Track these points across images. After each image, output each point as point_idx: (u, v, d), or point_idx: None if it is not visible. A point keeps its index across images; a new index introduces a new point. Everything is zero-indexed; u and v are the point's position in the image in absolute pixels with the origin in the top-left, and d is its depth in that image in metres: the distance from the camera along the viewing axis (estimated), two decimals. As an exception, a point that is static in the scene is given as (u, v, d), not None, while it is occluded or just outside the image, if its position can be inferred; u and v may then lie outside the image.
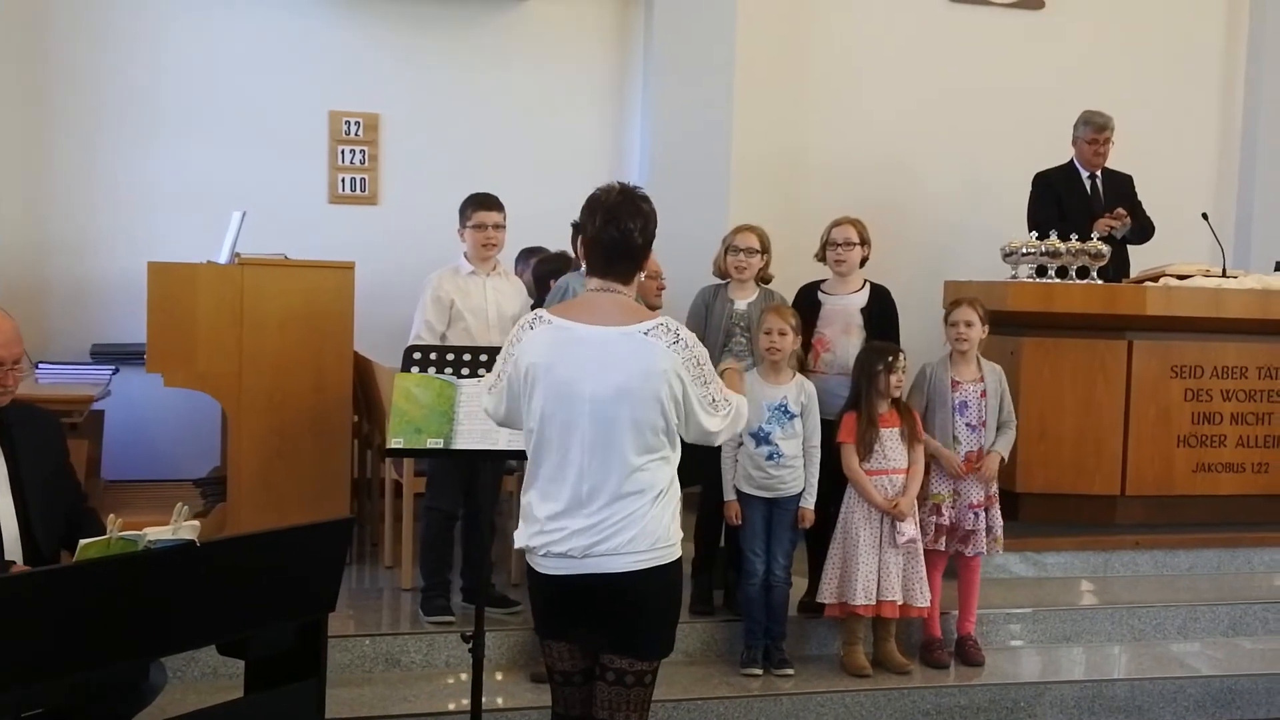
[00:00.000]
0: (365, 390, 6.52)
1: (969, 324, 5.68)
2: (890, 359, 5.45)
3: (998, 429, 5.69)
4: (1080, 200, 7.52)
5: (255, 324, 5.82)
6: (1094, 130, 7.48)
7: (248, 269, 5.85)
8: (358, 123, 7.69)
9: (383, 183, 7.74)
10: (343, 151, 7.68)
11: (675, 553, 3.34)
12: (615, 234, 3.31)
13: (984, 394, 5.69)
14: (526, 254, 6.82)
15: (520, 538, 3.38)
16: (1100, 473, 6.83)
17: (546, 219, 6.58)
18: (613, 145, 8.05)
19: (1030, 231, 7.19)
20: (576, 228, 5.87)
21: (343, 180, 7.69)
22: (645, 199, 3.38)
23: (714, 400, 3.34)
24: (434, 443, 4.24)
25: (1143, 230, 7.59)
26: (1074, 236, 6.81)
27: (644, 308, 3.45)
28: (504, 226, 5.63)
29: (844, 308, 5.79)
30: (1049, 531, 6.61)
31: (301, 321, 5.87)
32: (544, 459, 3.32)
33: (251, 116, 7.54)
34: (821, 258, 5.91)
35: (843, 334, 5.76)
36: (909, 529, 5.39)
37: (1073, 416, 6.78)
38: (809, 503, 5.37)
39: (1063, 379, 6.77)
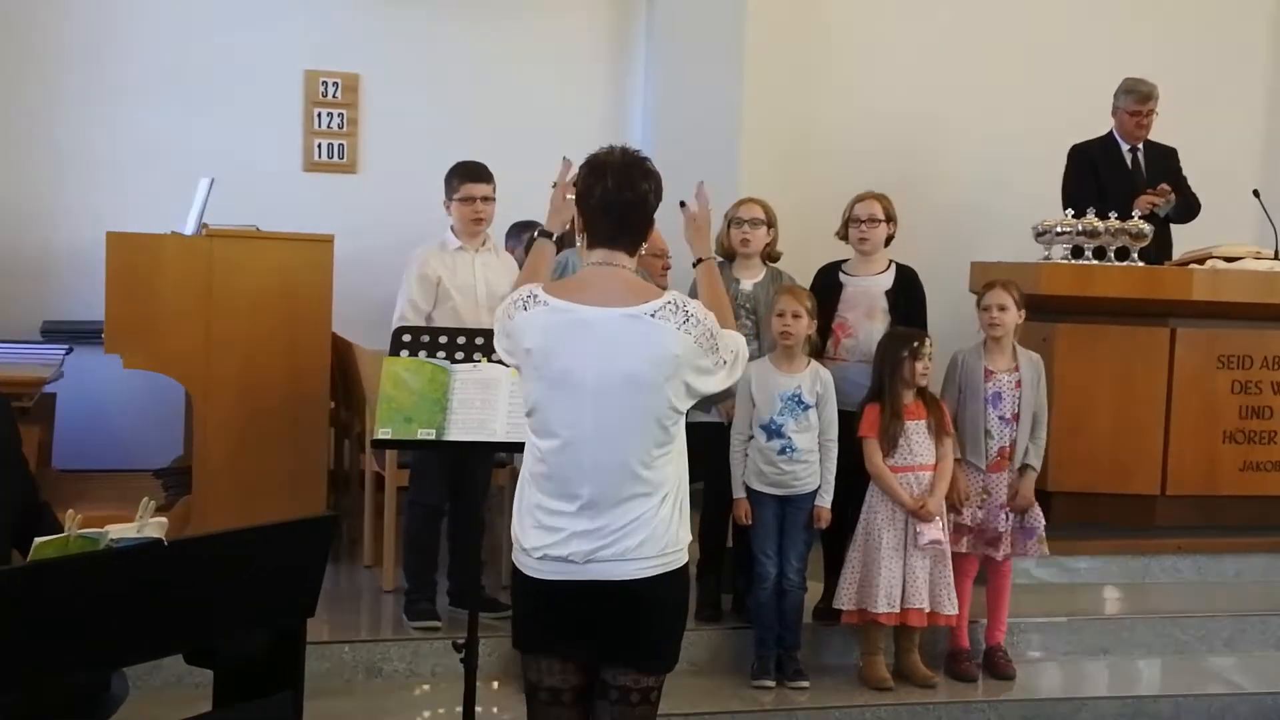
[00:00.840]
0: (344, 374, 6.51)
1: (1003, 308, 5.63)
2: (916, 344, 5.40)
3: (1032, 429, 5.66)
4: (1120, 176, 7.45)
5: (225, 301, 5.78)
6: (1137, 100, 7.42)
7: (217, 241, 5.82)
8: (335, 84, 7.67)
9: (362, 149, 7.72)
10: (319, 115, 7.66)
11: (684, 557, 3.30)
12: (630, 196, 3.25)
13: (1019, 385, 5.65)
14: (519, 228, 6.78)
15: (517, 532, 3.33)
16: (1139, 471, 6.79)
17: (541, 191, 6.30)
18: (613, 112, 8.02)
19: (1065, 209, 7.11)
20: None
21: (319, 146, 7.67)
22: (649, 160, 3.34)
23: (723, 360, 3.29)
24: (425, 433, 4.19)
25: (1188, 208, 7.53)
26: (1113, 215, 6.77)
27: (650, 284, 3.38)
28: (493, 199, 5.61)
29: (867, 290, 5.77)
30: (1083, 534, 6.57)
31: (275, 299, 5.83)
32: (541, 449, 3.26)
33: (219, 76, 7.48)
34: (843, 235, 5.87)
35: (866, 318, 5.73)
36: (932, 530, 5.35)
37: (1109, 410, 6.74)
38: (825, 501, 5.34)
39: (1099, 369, 6.72)
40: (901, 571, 5.36)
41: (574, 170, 3.53)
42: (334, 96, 7.65)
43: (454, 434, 4.19)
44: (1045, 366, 5.74)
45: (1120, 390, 6.77)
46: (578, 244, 5.67)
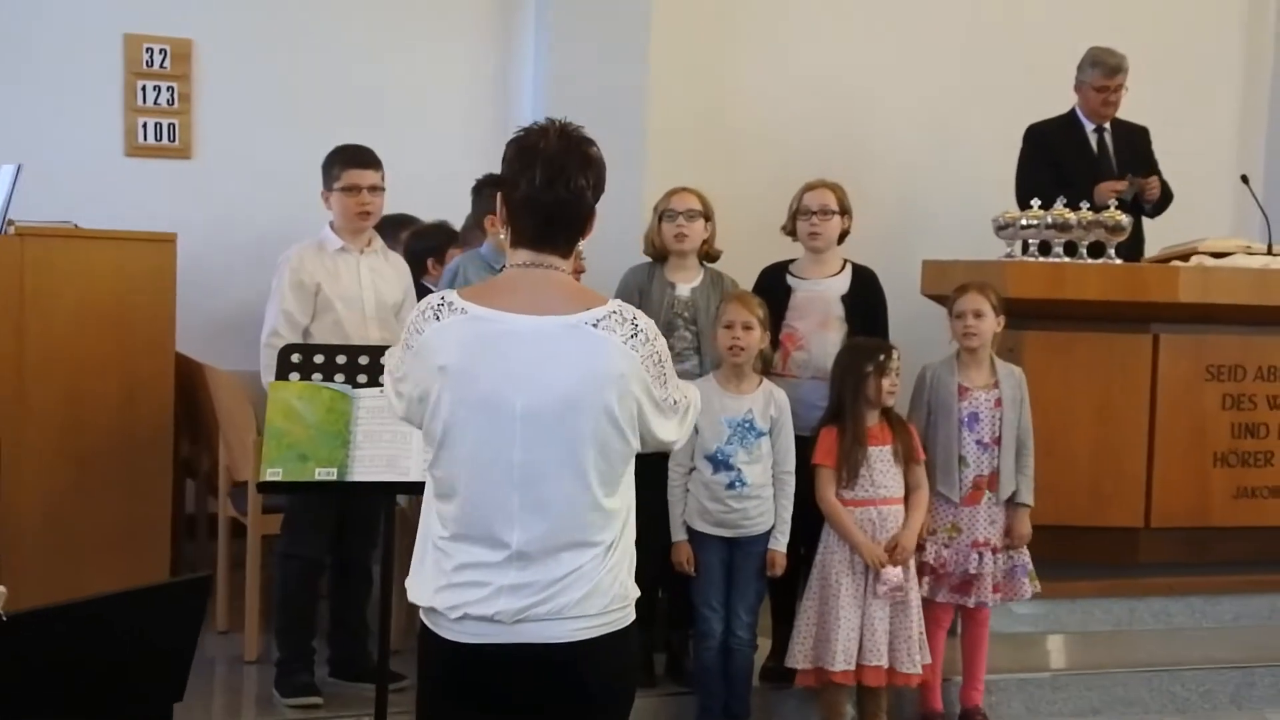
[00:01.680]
0: (189, 401, 6.34)
1: (979, 315, 5.62)
2: (882, 357, 5.40)
3: (1016, 456, 5.66)
4: (1084, 160, 7.52)
5: (41, 314, 5.66)
6: (1104, 74, 7.48)
7: (29, 242, 5.66)
8: (163, 51, 7.45)
9: (197, 130, 7.51)
10: (144, 89, 7.44)
11: (632, 614, 3.22)
12: (564, 194, 3.12)
13: (999, 403, 5.67)
14: (393, 225, 6.68)
15: (418, 592, 3.19)
16: (1119, 500, 6.79)
17: (413, 181, 6.46)
18: (496, 88, 7.90)
19: (1022, 200, 7.13)
20: (484, 186, 5.77)
21: (144, 126, 7.44)
22: (591, 143, 3.21)
23: (674, 401, 3.23)
24: (325, 473, 4.16)
25: (1161, 197, 7.62)
26: (1084, 205, 6.81)
27: (589, 290, 3.29)
28: (383, 189, 5.51)
29: (821, 295, 5.77)
30: (1059, 574, 6.41)
31: (105, 312, 5.74)
32: (455, 490, 3.13)
33: (20, 41, 7.22)
34: (791, 230, 5.88)
35: (819, 328, 5.73)
36: (892, 574, 5.35)
37: (1085, 429, 6.74)
38: (780, 544, 5.35)
39: (1074, 383, 6.72)
40: (859, 622, 5.35)
41: None
42: (161, 66, 7.44)
43: (359, 473, 4.16)
44: (1015, 380, 5.81)
45: (1097, 407, 6.78)
46: (481, 247, 5.54)
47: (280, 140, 7.19)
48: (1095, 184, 7.30)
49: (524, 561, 3.07)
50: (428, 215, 6.75)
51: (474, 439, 3.09)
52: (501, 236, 3.25)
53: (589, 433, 3.07)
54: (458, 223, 6.51)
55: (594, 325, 3.08)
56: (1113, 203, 6.96)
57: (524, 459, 3.06)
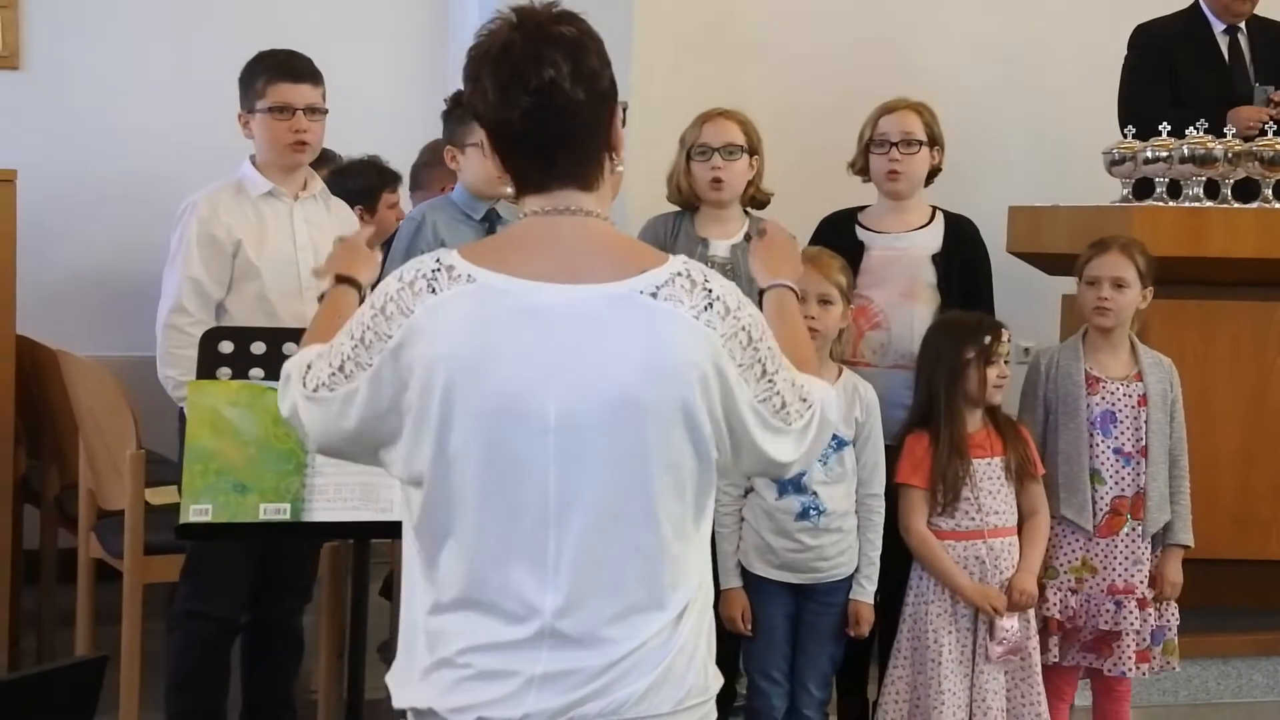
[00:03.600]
0: (34, 400, 6.40)
1: (1120, 284, 5.63)
2: (989, 340, 5.40)
3: (1170, 472, 5.73)
4: (1214, 73, 7.55)
5: None
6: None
7: None
8: None
9: (27, 34, 7.55)
10: None
11: (713, 713, 3.13)
12: (529, 100, 2.97)
13: (1143, 400, 5.69)
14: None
15: (406, 690, 3.08)
16: (1278, 524, 6.75)
17: (338, 103, 6.32)
18: None
19: (1125, 125, 7.14)
20: (455, 109, 5.66)
21: None
22: (563, 18, 3.05)
23: (784, 403, 3.09)
24: (274, 510, 4.06)
25: None
26: (1230, 132, 6.76)
27: (640, 244, 3.24)
28: (324, 110, 5.50)
29: (904, 254, 5.82)
30: (1201, 625, 6.46)
31: None
32: (454, 535, 3.01)
33: None
34: (862, 168, 5.93)
35: (903, 299, 5.77)
36: (1011, 627, 5.34)
37: (1232, 432, 6.69)
38: (867, 593, 5.34)
39: (1217, 371, 6.66)
40: (969, 691, 5.36)
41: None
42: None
43: (321, 510, 4.06)
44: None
45: (1247, 402, 6.72)
46: (450, 191, 5.56)
47: (143, 47, 7.24)
48: (1229, 106, 7.26)
49: (561, 639, 2.95)
50: (346, 149, 6.72)
51: (487, 462, 2.95)
52: (507, 189, 3.16)
53: (653, 447, 2.95)
54: (394, 158, 6.54)
55: (652, 295, 2.95)
56: (1238, 132, 6.94)
57: (560, 488, 2.93)
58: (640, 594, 2.97)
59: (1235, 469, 6.70)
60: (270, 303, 5.28)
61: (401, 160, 6.67)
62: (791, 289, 3.50)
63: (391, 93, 6.58)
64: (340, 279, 3.60)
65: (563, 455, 2.92)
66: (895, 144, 5.76)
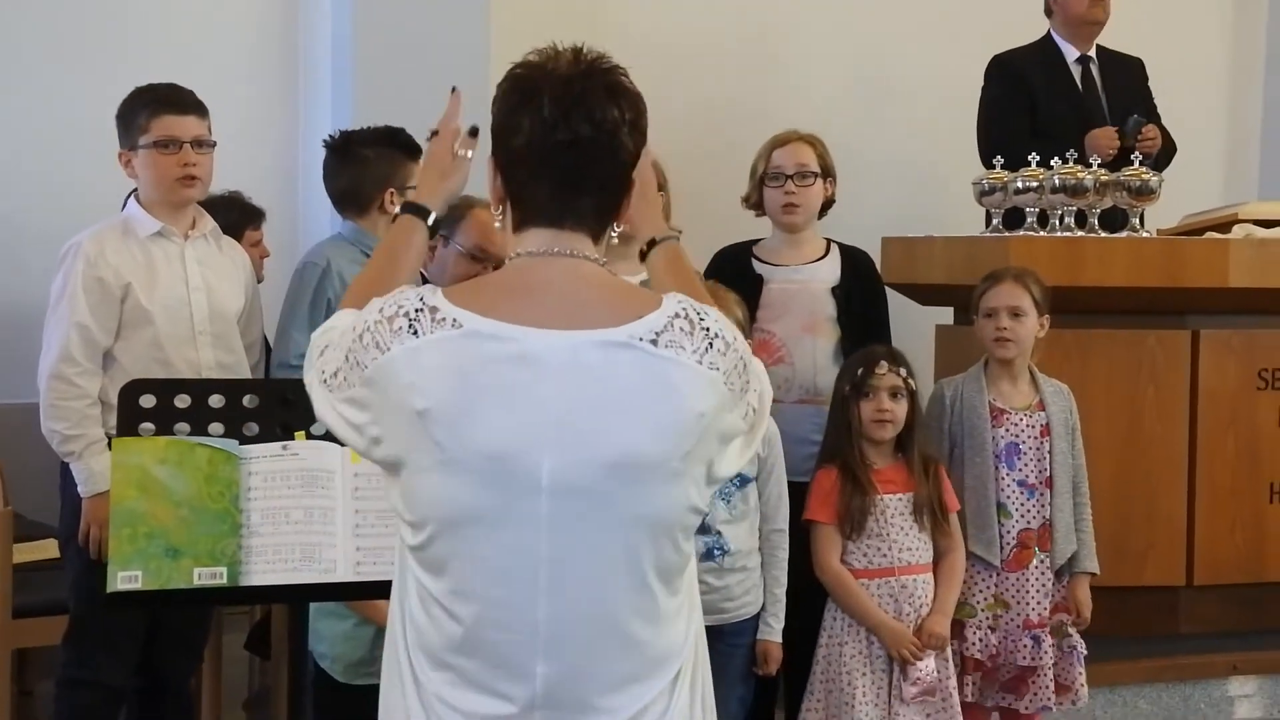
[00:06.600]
0: None
1: (1017, 313, 5.66)
2: (859, 372, 5.41)
3: (1074, 500, 5.77)
4: (1070, 102, 7.65)
5: None
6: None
7: None
8: None
9: None
10: None
11: None
12: (588, 130, 2.92)
13: (1045, 430, 5.72)
14: None
15: None
16: (1154, 551, 6.77)
17: None
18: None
19: (987, 154, 7.12)
20: (352, 144, 5.66)
21: None
22: (620, 70, 3.04)
23: (754, 408, 3.04)
24: (209, 575, 3.91)
25: (1165, 150, 7.70)
26: (1096, 161, 6.79)
27: (634, 286, 3.10)
28: (212, 143, 5.41)
29: (804, 287, 5.86)
30: (1088, 653, 6.48)
31: None
32: (449, 607, 2.91)
33: None
34: (755, 203, 5.96)
35: (804, 331, 5.82)
36: (926, 668, 5.31)
37: (1108, 461, 6.64)
38: (774, 632, 5.31)
39: (1093, 400, 6.58)
40: None
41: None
42: None
43: (259, 573, 3.90)
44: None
45: (1123, 427, 6.74)
46: (497, 222, 5.44)
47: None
48: (1083, 132, 7.35)
49: (554, 710, 2.88)
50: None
51: (476, 525, 2.85)
52: (497, 223, 3.06)
53: (650, 507, 2.88)
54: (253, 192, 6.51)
55: (653, 341, 2.84)
56: (1094, 159, 6.98)
57: (553, 554, 2.84)
58: (631, 661, 2.90)
59: (1111, 497, 6.63)
60: (163, 349, 5.19)
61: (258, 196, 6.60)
62: (677, 240, 3.38)
63: (246, 128, 6.48)
64: (407, 208, 3.41)
65: (556, 520, 2.84)
66: (790, 176, 5.82)
